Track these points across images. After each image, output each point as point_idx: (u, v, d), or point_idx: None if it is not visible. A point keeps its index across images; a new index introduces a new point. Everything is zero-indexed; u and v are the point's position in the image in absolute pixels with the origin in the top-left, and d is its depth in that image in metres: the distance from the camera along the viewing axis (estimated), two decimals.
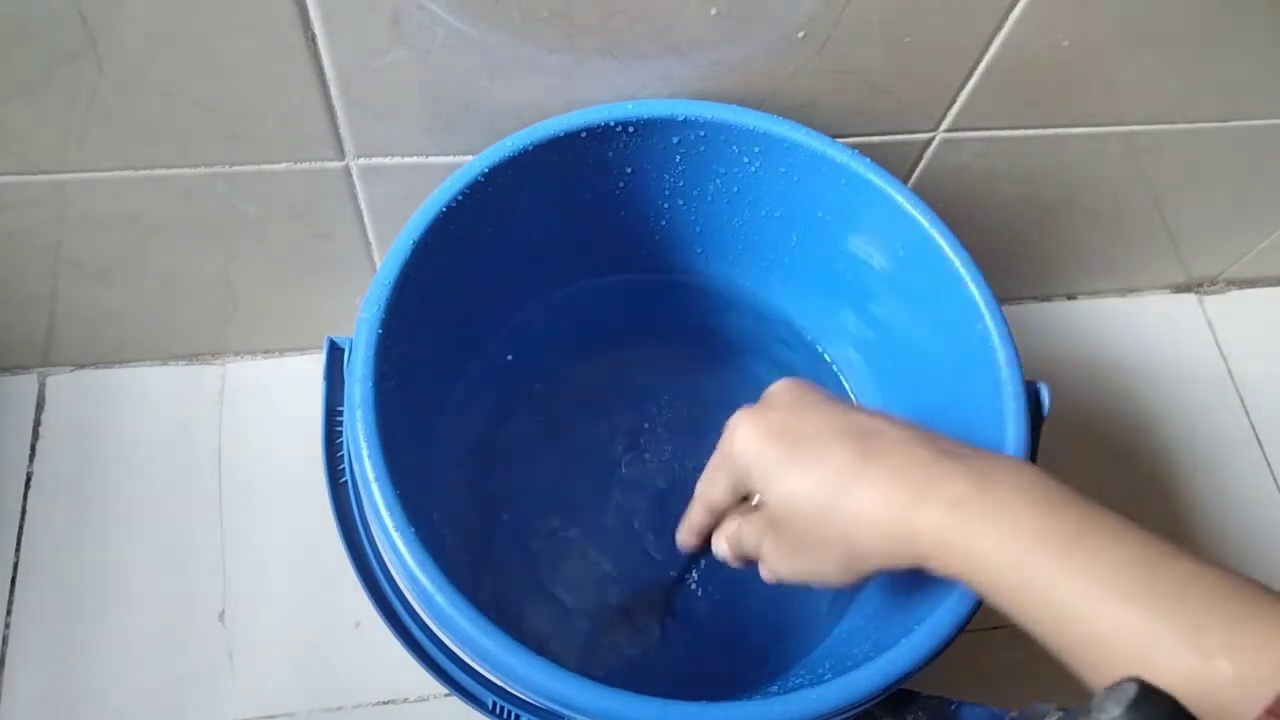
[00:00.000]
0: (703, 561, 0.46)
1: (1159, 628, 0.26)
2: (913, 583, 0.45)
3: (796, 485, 0.32)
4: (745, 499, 0.37)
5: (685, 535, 0.39)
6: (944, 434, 0.33)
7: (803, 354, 0.57)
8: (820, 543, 0.32)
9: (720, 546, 0.37)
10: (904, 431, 0.32)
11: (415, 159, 0.50)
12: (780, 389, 0.36)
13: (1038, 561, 0.27)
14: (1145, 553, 0.27)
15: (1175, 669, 0.25)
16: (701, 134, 0.47)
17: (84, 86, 0.43)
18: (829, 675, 0.36)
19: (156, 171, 0.49)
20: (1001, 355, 0.42)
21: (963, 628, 0.37)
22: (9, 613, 0.57)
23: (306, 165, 0.50)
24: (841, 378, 0.56)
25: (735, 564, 0.37)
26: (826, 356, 0.57)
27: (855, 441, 0.31)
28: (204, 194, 0.50)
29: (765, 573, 0.36)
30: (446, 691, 0.39)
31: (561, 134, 0.45)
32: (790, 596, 0.51)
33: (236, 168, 0.49)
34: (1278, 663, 0.25)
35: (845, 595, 0.50)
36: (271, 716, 0.56)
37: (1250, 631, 0.25)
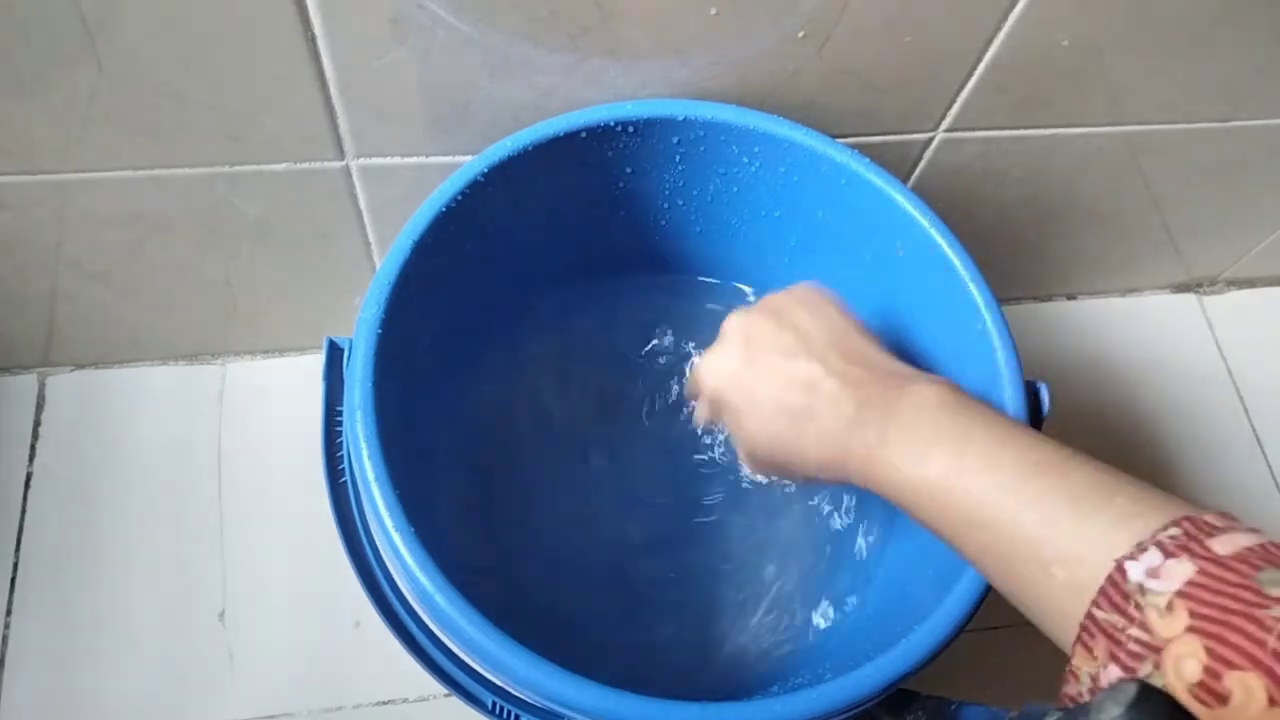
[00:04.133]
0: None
1: (1050, 525, 0.30)
2: (913, 583, 0.45)
3: (752, 435, 0.40)
4: None
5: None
6: (874, 351, 0.39)
7: None
8: (778, 468, 0.41)
9: (699, 414, 0.44)
10: (834, 384, 0.37)
11: (415, 159, 0.50)
12: (736, 327, 0.41)
13: (934, 486, 0.33)
14: (1030, 456, 0.32)
15: (1066, 559, 0.29)
16: (701, 134, 0.47)
17: (84, 86, 0.43)
18: (829, 675, 0.36)
19: (156, 171, 0.49)
20: (1001, 355, 0.42)
21: (963, 628, 0.37)
22: (9, 613, 0.57)
23: (306, 165, 0.50)
24: None
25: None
26: None
27: (789, 418, 0.38)
28: (204, 194, 0.50)
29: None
30: (446, 691, 0.39)
31: (561, 134, 0.45)
32: (787, 597, 0.51)
33: (236, 168, 0.49)
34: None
35: (845, 595, 0.50)
36: (271, 716, 0.56)
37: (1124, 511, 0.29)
